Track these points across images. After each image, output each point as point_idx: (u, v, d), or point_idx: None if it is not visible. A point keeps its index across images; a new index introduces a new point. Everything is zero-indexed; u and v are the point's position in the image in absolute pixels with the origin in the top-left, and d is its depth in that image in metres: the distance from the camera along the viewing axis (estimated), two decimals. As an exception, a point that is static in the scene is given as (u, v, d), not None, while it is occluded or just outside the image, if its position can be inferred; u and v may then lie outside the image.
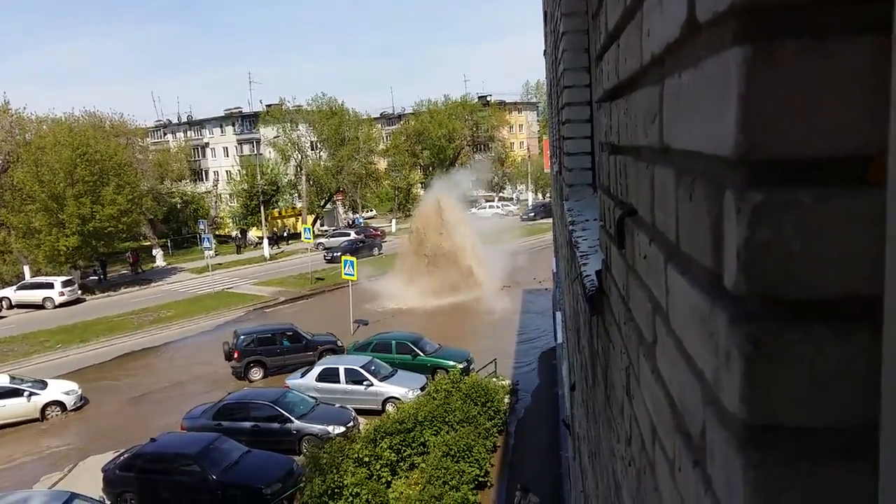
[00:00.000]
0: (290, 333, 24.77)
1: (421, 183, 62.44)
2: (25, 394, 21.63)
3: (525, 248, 43.59)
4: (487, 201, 66.39)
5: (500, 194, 74.11)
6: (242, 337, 24.35)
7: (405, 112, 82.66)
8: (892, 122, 0.55)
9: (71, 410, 22.08)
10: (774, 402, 0.65)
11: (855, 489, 0.63)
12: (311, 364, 22.55)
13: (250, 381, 23.27)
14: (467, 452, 14.96)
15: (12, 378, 22.48)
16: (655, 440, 1.18)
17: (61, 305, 37.94)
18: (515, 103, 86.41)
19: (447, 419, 16.46)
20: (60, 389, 22.35)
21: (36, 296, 38.41)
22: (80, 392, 22.64)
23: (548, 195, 73.13)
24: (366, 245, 48.53)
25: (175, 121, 76.74)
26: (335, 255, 44.03)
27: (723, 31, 0.67)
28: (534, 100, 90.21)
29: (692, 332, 0.86)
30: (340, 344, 25.11)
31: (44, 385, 22.40)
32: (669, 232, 1.00)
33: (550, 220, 57.60)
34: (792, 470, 0.64)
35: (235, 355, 23.89)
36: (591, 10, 1.81)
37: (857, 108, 0.60)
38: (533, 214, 60.84)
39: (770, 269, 0.64)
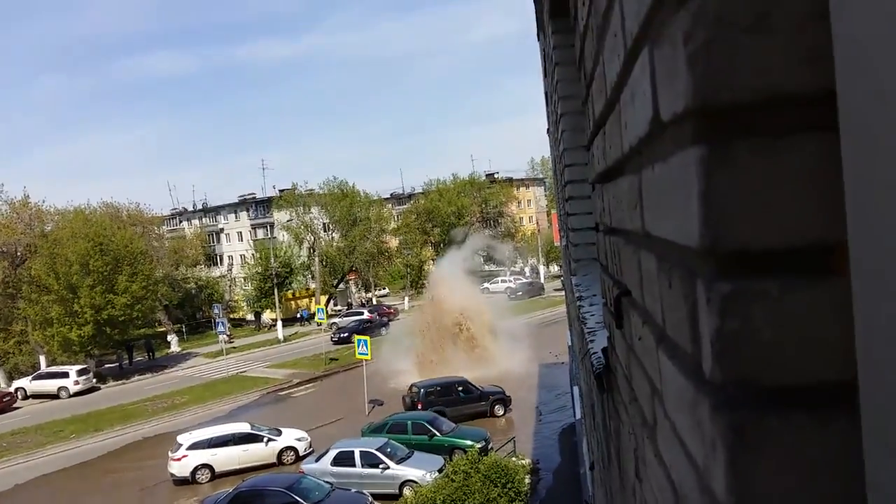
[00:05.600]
0: (462, 385, 26.42)
1: (432, 260, 62.69)
2: (264, 440, 23.52)
3: (532, 324, 43.18)
4: (498, 276, 66.33)
5: (512, 268, 74.14)
6: (423, 390, 25.97)
7: (415, 192, 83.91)
8: (849, 214, 0.57)
9: (303, 456, 23.47)
10: (760, 493, 0.65)
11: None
12: (483, 414, 25.09)
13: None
14: (488, 537, 14.46)
15: (252, 425, 24.46)
16: (661, 527, 1.15)
17: (76, 394, 37.81)
18: (522, 180, 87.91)
19: (466, 502, 15.98)
20: (293, 437, 24.28)
21: (51, 385, 38.39)
22: (309, 440, 24.34)
23: (552, 269, 73.14)
24: (374, 325, 48.13)
25: (190, 208, 78.27)
26: (341, 335, 44.17)
27: (683, 130, 0.70)
28: (540, 175, 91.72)
29: (683, 417, 0.86)
30: (508, 395, 26.50)
31: (279, 433, 24.27)
32: (657, 315, 1.01)
33: (537, 298, 57.11)
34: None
35: (419, 406, 25.30)
36: (582, 97, 1.88)
37: (811, 202, 0.62)
38: (520, 293, 59.26)
39: (743, 358, 0.66)
